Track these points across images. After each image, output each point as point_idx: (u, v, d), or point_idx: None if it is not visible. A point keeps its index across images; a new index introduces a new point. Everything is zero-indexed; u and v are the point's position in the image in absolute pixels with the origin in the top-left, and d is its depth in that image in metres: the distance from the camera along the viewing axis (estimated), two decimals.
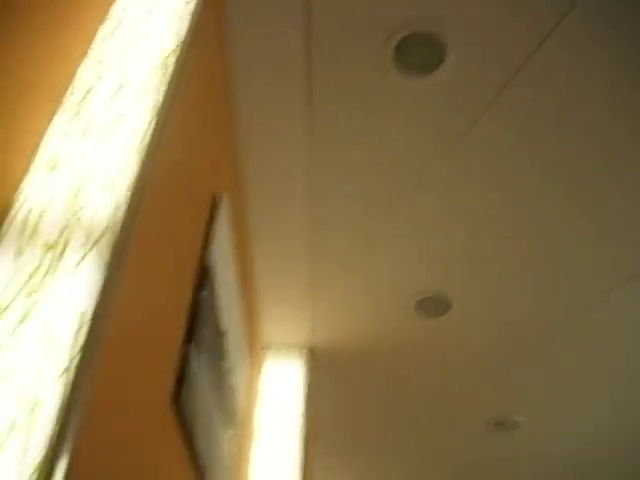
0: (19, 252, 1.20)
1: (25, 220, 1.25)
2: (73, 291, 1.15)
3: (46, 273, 1.17)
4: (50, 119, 1.50)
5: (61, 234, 1.22)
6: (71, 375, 1.05)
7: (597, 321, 3.88)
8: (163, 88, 1.51)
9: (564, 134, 2.80)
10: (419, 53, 2.52)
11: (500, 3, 2.39)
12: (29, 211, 1.27)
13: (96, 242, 1.21)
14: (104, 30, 1.83)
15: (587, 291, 3.65)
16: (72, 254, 1.19)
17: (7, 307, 1.13)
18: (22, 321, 1.11)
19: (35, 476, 0.96)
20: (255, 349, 4.02)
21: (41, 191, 1.30)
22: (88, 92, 1.59)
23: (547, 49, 2.47)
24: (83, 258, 1.19)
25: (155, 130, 1.48)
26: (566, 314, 3.85)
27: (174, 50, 1.60)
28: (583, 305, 3.76)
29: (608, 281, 3.56)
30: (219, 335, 2.63)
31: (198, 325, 2.21)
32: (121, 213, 1.26)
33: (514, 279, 3.63)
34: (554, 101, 2.67)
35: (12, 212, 1.27)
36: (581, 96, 2.64)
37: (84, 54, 1.74)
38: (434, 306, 3.87)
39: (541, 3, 2.36)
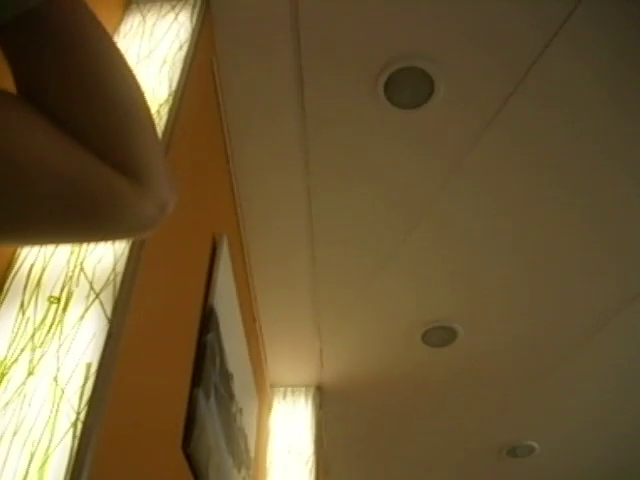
0: (24, 306, 1.21)
1: (28, 273, 1.26)
2: (78, 343, 1.15)
3: (51, 326, 1.18)
4: None
5: (64, 286, 1.23)
6: (79, 428, 1.05)
7: (609, 340, 3.86)
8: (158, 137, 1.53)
9: (561, 154, 2.82)
10: (409, 87, 2.55)
11: (484, 37, 2.42)
12: (32, 264, 1.28)
13: (99, 293, 1.22)
14: None
15: (597, 311, 3.63)
16: (76, 306, 1.20)
17: (15, 361, 1.13)
18: (30, 374, 1.12)
19: None
20: (264, 388, 4.00)
21: None
22: None
23: (533, 78, 2.50)
24: (87, 310, 1.20)
25: None
26: (574, 336, 3.83)
27: (167, 100, 1.62)
28: (592, 326, 3.74)
29: (619, 299, 3.54)
30: (226, 377, 2.63)
31: (205, 368, 2.21)
32: (123, 263, 1.27)
33: (520, 304, 3.62)
34: (548, 123, 2.69)
35: (15, 266, 1.28)
36: (577, 114, 2.66)
37: None
38: (441, 335, 3.85)
39: (523, 35, 2.40)
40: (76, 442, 1.04)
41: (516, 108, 2.62)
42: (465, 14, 2.37)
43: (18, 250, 1.29)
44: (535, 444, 4.98)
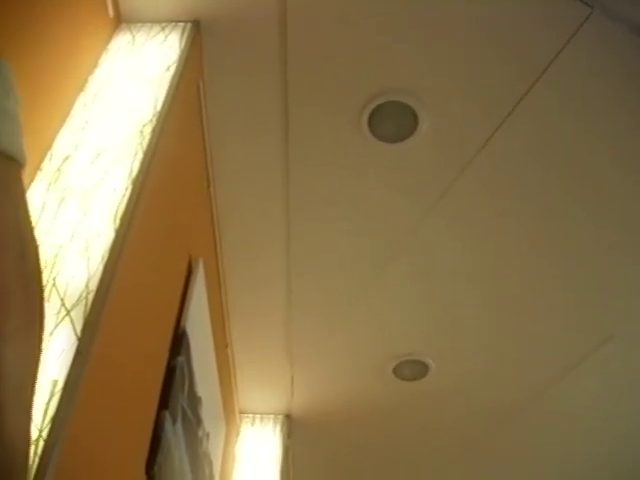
0: None
1: None
2: (45, 359, 1.14)
3: None
4: (28, 185, 1.51)
5: None
6: (41, 446, 1.04)
7: (579, 382, 3.87)
8: (140, 156, 1.53)
9: (541, 195, 2.84)
10: (393, 121, 2.57)
11: (469, 74, 2.46)
12: None
13: (70, 310, 1.21)
14: (84, 97, 1.86)
15: (566, 353, 3.65)
16: (46, 322, 1.19)
17: None
18: None
19: None
20: (232, 415, 3.96)
21: None
22: (66, 159, 1.61)
23: (517, 116, 2.54)
24: (57, 326, 1.19)
25: (131, 196, 1.49)
26: (543, 377, 3.84)
27: (151, 120, 1.62)
28: (561, 368, 3.74)
29: (589, 342, 3.55)
30: (195, 401, 2.60)
31: (173, 391, 2.19)
32: (96, 281, 1.26)
33: (491, 341, 3.62)
34: (530, 162, 2.72)
35: None
36: (561, 153, 2.69)
37: (64, 120, 1.76)
38: (413, 369, 3.84)
39: (508, 74, 2.44)
40: (37, 460, 1.02)
41: (499, 145, 2.65)
42: (451, 51, 2.41)
43: None
44: None
